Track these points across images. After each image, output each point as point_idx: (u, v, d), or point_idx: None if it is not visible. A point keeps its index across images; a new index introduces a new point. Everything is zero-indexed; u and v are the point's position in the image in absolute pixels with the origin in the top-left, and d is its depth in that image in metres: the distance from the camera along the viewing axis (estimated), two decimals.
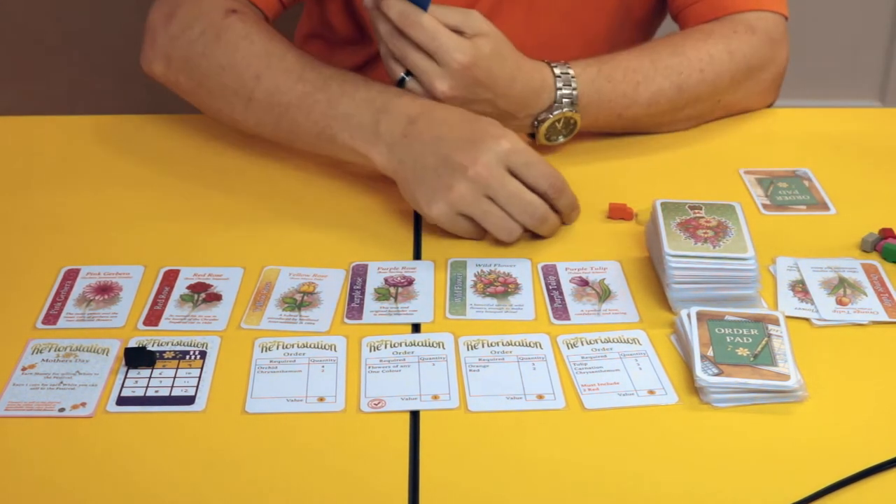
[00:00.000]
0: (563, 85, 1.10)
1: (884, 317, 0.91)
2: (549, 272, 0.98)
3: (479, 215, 0.99)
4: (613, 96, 1.13)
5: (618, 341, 0.89)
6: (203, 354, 0.87)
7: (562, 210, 1.02)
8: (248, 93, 1.10)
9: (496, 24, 1.06)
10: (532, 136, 1.13)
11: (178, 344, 0.88)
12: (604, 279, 0.97)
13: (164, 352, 0.87)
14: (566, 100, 1.10)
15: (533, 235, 1.01)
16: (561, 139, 1.14)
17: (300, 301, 0.94)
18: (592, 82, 1.12)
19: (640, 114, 1.16)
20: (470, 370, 0.85)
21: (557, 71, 1.10)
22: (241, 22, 1.12)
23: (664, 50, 1.16)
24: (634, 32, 1.34)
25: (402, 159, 1.01)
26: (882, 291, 0.94)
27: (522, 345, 0.88)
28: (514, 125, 1.09)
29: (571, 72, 1.10)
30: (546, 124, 1.11)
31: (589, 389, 0.83)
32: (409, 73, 1.04)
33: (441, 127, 1.01)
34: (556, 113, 1.10)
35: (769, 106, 1.27)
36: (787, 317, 0.89)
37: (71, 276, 0.97)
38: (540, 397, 0.83)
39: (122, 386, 0.84)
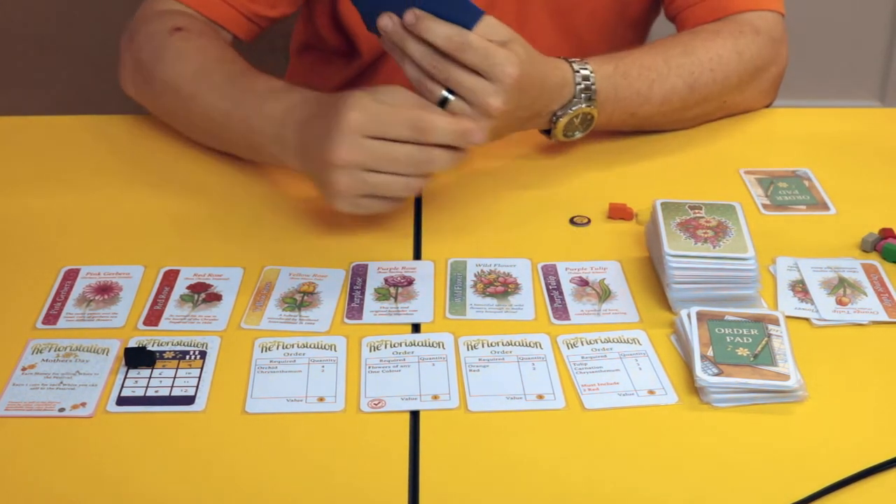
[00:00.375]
0: (582, 80, 1.09)
1: (884, 317, 0.91)
2: (549, 272, 0.98)
3: (373, 190, 0.96)
4: (628, 94, 1.13)
5: (618, 341, 0.89)
6: (203, 354, 0.87)
7: (448, 141, 0.95)
8: (186, 112, 1.13)
9: None
10: (547, 132, 1.12)
11: (178, 344, 0.88)
12: (604, 279, 0.97)
13: (164, 352, 0.87)
14: (584, 95, 1.09)
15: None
16: (578, 135, 1.13)
17: (300, 301, 0.93)
18: (609, 78, 1.11)
19: (652, 112, 1.15)
20: (470, 370, 0.85)
21: (576, 66, 1.09)
22: (182, 41, 1.14)
23: (675, 49, 1.16)
24: (629, 32, 1.34)
25: (303, 164, 1.01)
26: (882, 291, 0.94)
27: (522, 345, 0.88)
28: (536, 123, 1.09)
29: (589, 67, 1.10)
30: (564, 120, 1.10)
31: (589, 389, 0.83)
32: (450, 91, 0.99)
33: (311, 127, 0.99)
34: (574, 108, 1.10)
35: (768, 106, 1.27)
36: (787, 317, 0.89)
37: (71, 276, 0.97)
38: (540, 397, 0.83)
39: (122, 386, 0.84)
